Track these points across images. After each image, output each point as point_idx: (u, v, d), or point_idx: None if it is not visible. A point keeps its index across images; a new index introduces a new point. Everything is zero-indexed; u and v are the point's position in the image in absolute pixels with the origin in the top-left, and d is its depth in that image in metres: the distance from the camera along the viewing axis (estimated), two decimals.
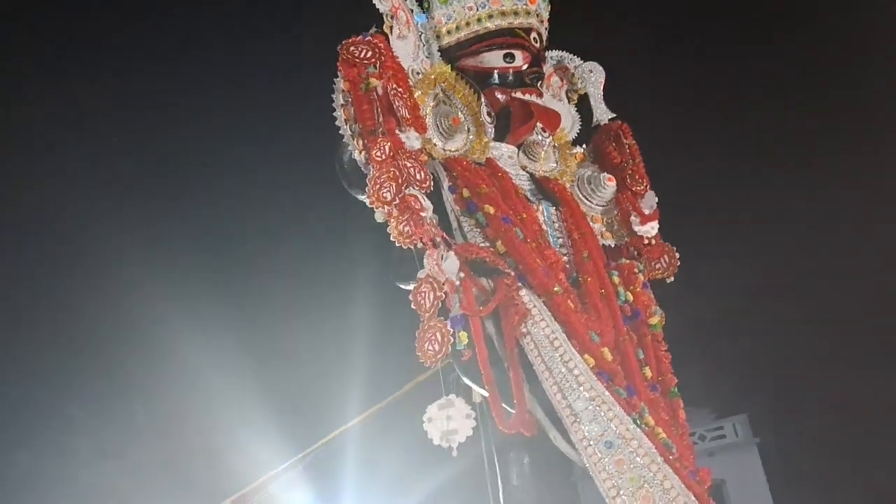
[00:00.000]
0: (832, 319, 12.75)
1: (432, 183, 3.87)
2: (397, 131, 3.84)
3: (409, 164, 3.78)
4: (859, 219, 10.98)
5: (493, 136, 4.31)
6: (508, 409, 3.58)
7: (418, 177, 3.79)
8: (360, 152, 3.86)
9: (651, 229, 4.49)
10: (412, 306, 3.64)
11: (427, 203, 3.78)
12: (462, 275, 3.67)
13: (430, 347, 3.54)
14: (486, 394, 3.61)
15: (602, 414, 3.59)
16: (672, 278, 4.50)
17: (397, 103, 3.89)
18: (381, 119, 3.85)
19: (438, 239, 3.74)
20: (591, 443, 3.56)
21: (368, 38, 3.99)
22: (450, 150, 4.12)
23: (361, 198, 3.87)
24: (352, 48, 3.93)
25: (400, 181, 3.74)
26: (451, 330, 3.58)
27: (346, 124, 3.91)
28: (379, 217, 3.78)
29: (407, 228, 3.72)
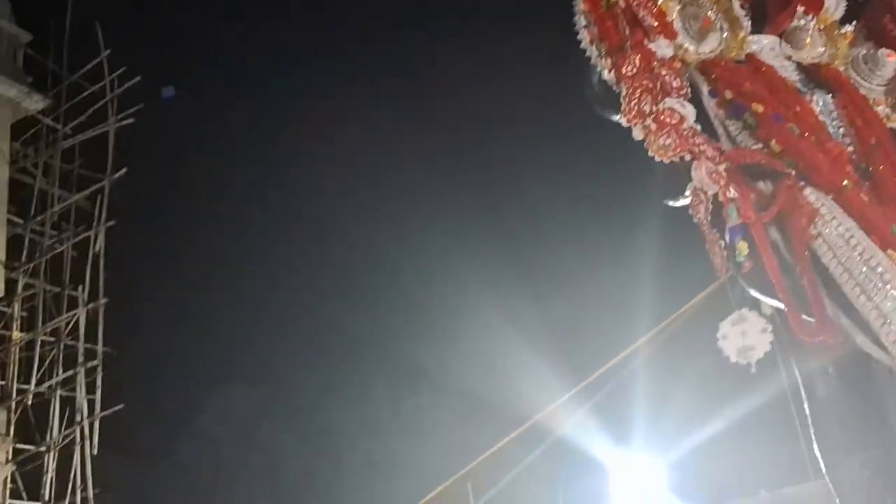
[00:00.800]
0: None
1: (690, 90, 3.69)
2: (646, 42, 3.69)
3: (663, 73, 3.62)
4: None
5: (749, 29, 4.01)
6: (806, 317, 3.36)
7: (675, 84, 3.62)
8: (610, 71, 3.74)
9: None
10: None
11: (688, 111, 3.60)
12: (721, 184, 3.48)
13: (716, 261, 3.43)
14: (778, 304, 3.41)
15: None
16: None
17: (642, 13, 3.75)
18: (627, 33, 3.73)
19: (703, 147, 3.56)
20: None
21: None
22: (704, 53, 3.88)
23: (616, 118, 3.76)
24: None
25: (655, 92, 3.59)
26: (728, 242, 3.42)
27: (592, 45, 3.81)
28: (637, 134, 3.66)
29: (668, 141, 3.56)
